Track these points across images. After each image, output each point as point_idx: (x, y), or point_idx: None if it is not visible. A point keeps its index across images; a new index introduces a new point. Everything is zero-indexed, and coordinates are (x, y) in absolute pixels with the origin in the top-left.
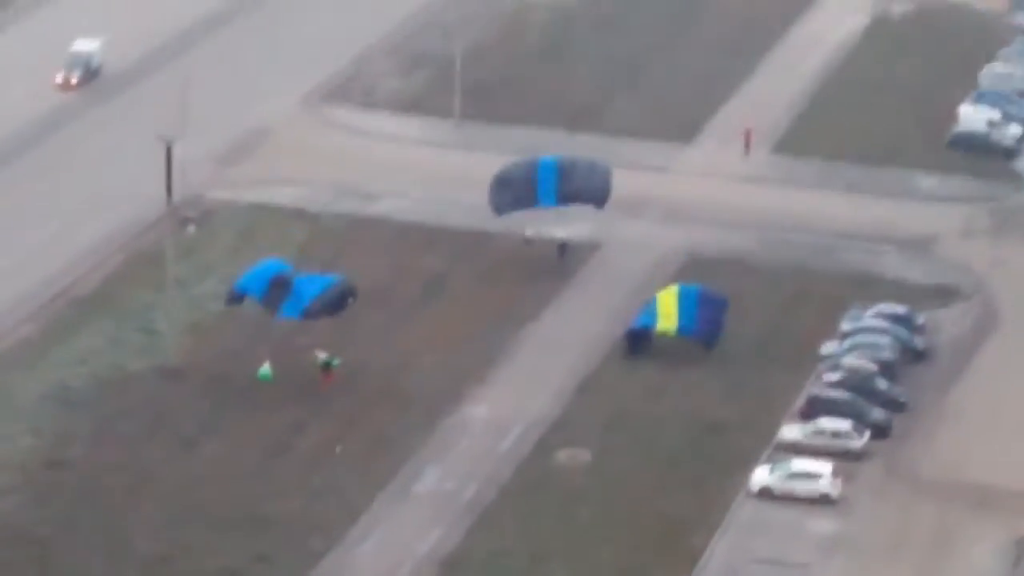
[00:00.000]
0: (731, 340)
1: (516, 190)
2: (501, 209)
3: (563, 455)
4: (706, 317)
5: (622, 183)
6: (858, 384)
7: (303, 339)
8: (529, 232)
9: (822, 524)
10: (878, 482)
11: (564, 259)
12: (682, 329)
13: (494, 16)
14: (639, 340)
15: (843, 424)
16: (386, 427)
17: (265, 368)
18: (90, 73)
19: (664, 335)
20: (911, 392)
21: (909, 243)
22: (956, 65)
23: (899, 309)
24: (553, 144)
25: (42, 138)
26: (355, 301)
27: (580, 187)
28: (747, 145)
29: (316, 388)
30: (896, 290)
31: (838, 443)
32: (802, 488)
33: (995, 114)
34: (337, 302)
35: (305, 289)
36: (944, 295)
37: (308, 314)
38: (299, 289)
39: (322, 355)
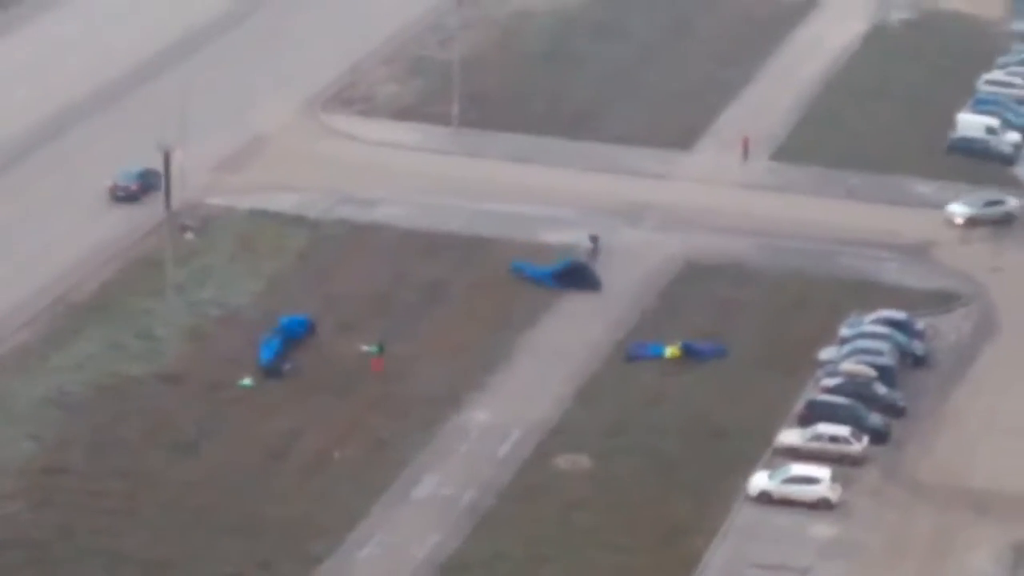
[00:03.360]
0: (730, 346)
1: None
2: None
3: (562, 460)
4: (710, 348)
5: (621, 190)
6: (857, 389)
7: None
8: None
9: (821, 529)
10: (877, 487)
11: (597, 248)
12: (687, 347)
13: (492, 23)
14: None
15: (842, 429)
16: (385, 432)
17: (247, 381)
18: None
19: (672, 359)
20: (910, 397)
21: (908, 249)
22: (954, 72)
23: (898, 315)
24: (552, 151)
25: (41, 144)
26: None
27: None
28: (745, 152)
29: (370, 372)
30: (895, 296)
31: (837, 448)
32: (801, 493)
33: (993, 121)
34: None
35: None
36: (943, 301)
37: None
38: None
39: (365, 347)
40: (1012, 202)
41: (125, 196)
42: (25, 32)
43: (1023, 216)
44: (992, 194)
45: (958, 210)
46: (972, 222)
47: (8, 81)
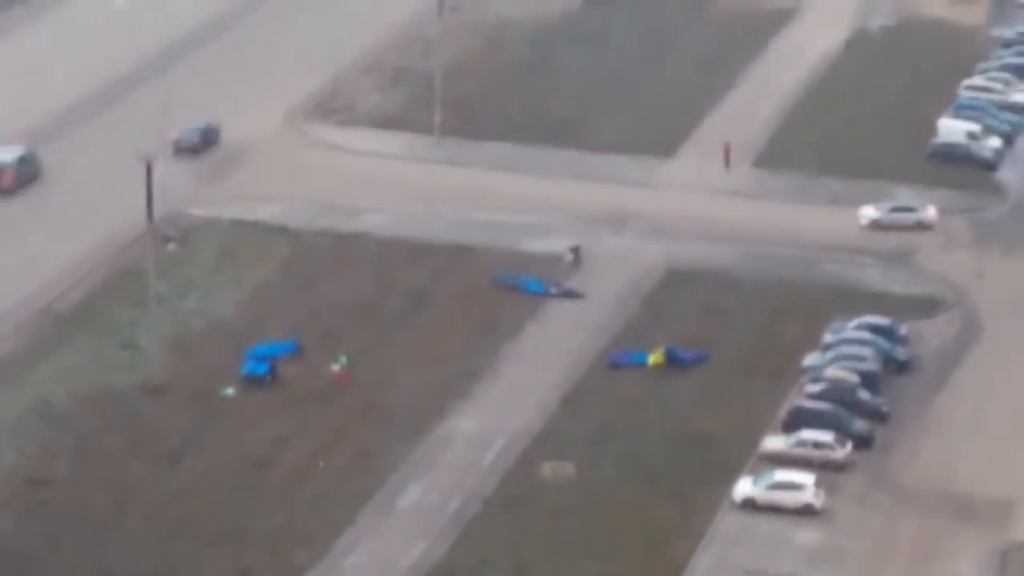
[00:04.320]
0: (714, 352)
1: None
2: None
3: (547, 468)
4: (692, 354)
5: (604, 198)
6: (840, 395)
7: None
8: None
9: (806, 535)
10: (861, 493)
11: (578, 259)
12: (670, 355)
13: (474, 31)
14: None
15: (825, 435)
16: (370, 441)
17: (230, 391)
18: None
19: (655, 366)
20: (893, 403)
21: (890, 255)
22: (935, 78)
23: (881, 321)
24: (535, 159)
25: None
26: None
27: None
28: (727, 159)
29: (337, 386)
30: (878, 302)
31: (821, 454)
32: (785, 499)
33: (974, 126)
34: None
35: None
36: (926, 306)
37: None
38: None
39: (335, 365)
40: (926, 211)
41: (188, 148)
42: (7, 43)
43: (938, 225)
44: (905, 201)
45: (864, 212)
46: (876, 225)
47: None
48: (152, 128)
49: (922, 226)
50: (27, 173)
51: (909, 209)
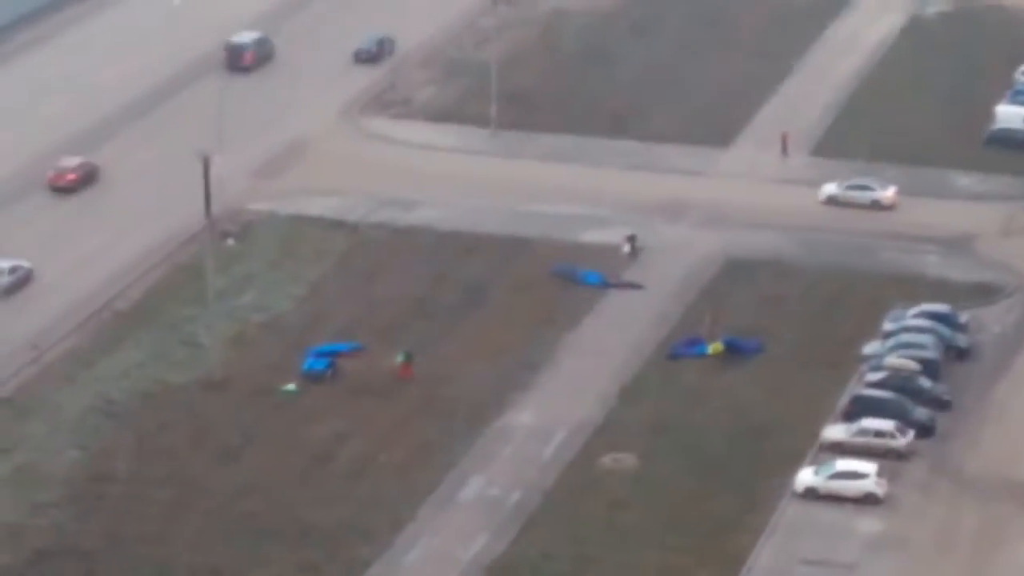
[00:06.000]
0: (773, 342)
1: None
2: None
3: (607, 460)
4: (751, 343)
5: (661, 188)
6: (901, 383)
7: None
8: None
9: (868, 524)
10: (923, 481)
11: (634, 249)
12: (729, 344)
13: (529, 23)
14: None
15: (887, 424)
16: (430, 435)
17: (291, 387)
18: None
19: (715, 354)
20: (955, 391)
21: (949, 242)
22: (992, 64)
23: (941, 308)
24: (590, 150)
25: (82, 153)
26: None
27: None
28: (785, 148)
29: (399, 380)
30: (937, 289)
31: (882, 443)
32: (847, 488)
33: None
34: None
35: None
36: (986, 293)
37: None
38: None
39: (399, 357)
40: (885, 191)
41: (367, 58)
42: (63, 36)
43: (896, 206)
44: (864, 180)
45: (824, 189)
46: (833, 201)
47: (50, 88)
48: (209, 123)
49: (878, 205)
50: (263, 53)
51: (866, 187)
